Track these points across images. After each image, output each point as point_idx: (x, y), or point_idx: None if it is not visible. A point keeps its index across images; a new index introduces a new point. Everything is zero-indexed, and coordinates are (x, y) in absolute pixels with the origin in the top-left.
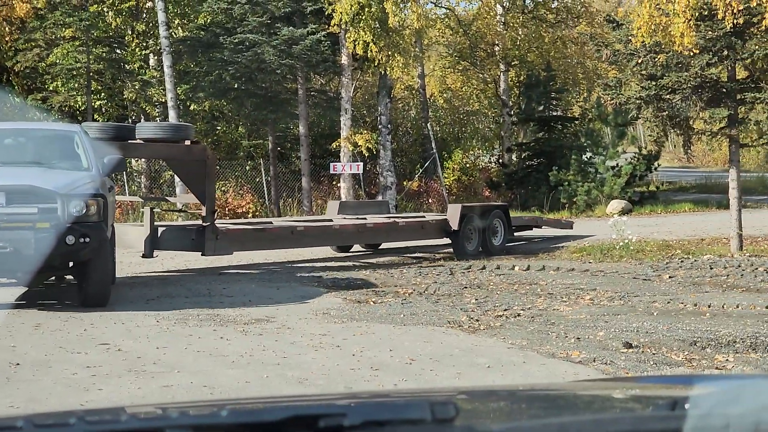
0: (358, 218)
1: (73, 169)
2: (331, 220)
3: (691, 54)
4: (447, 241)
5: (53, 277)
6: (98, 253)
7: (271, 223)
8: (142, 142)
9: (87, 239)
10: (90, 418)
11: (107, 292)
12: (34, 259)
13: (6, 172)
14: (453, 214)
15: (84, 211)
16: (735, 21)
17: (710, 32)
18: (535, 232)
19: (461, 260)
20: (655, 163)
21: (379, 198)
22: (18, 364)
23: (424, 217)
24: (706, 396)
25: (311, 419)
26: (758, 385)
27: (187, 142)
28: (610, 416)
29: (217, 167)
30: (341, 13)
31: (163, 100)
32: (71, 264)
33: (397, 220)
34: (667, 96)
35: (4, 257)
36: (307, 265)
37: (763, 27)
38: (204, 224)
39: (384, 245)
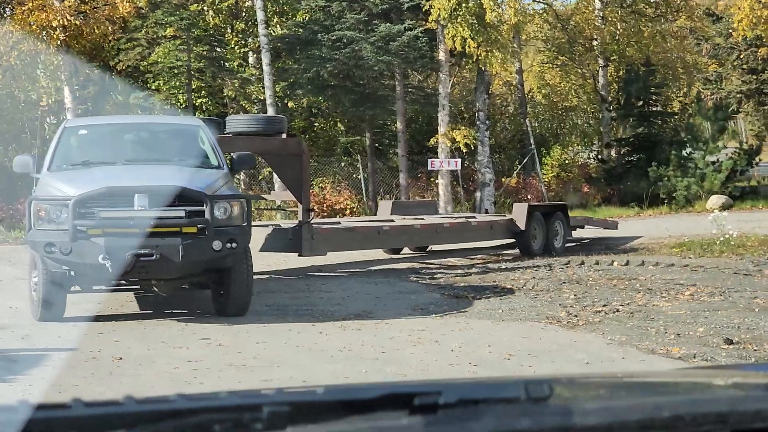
0: (434, 218)
1: (204, 166)
2: (392, 221)
3: None
4: (493, 243)
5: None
6: (242, 259)
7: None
8: (231, 135)
9: (234, 245)
10: (189, 396)
11: (248, 301)
12: (180, 267)
13: (139, 171)
14: (519, 213)
15: (229, 213)
16: None
17: None
18: (602, 232)
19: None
20: (756, 158)
21: (477, 194)
22: (121, 358)
23: (475, 217)
24: None
25: (406, 397)
26: None
27: (283, 136)
28: (706, 397)
29: (315, 163)
30: (439, 9)
31: (262, 98)
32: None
33: (469, 220)
34: None
35: (150, 265)
36: (395, 265)
37: None
38: (301, 223)
39: (432, 247)
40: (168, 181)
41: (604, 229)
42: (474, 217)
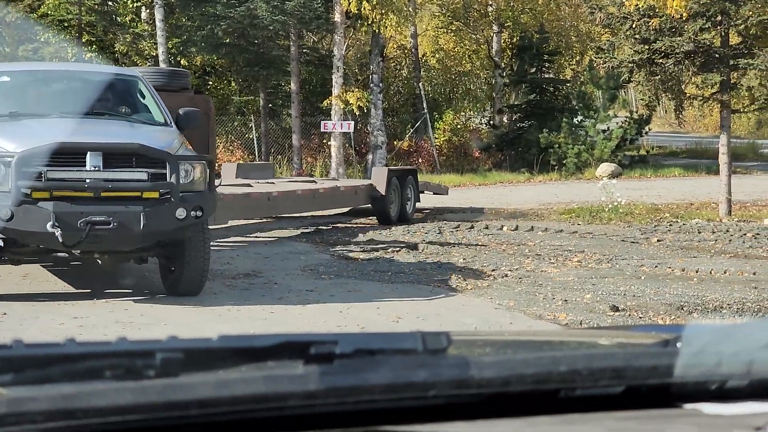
0: (303, 182)
1: (149, 123)
2: (249, 185)
3: (684, 18)
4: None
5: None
6: (199, 231)
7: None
8: None
9: (199, 213)
10: (79, 342)
11: (204, 279)
12: (140, 238)
13: (84, 126)
14: (380, 177)
15: (192, 177)
16: None
17: None
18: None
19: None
20: (646, 128)
21: (369, 156)
22: (5, 313)
23: (314, 181)
24: (699, 335)
25: (302, 346)
26: (751, 326)
27: (189, 93)
28: (602, 351)
29: None
30: None
31: (155, 54)
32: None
33: (338, 185)
34: (660, 60)
35: (105, 235)
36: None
37: None
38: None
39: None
40: (124, 138)
41: (434, 194)
42: (314, 182)
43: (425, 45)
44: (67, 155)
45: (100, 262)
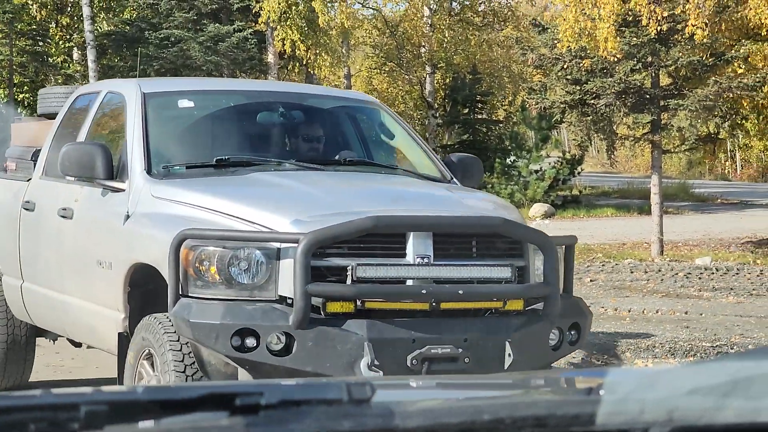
0: None
1: (429, 177)
2: None
3: (616, 59)
4: None
5: None
6: None
7: None
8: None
9: (576, 336)
10: (2, 395)
11: None
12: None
13: (367, 186)
14: None
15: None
16: (659, 28)
17: (635, 38)
18: None
19: None
20: (579, 168)
21: None
22: None
23: None
24: (622, 382)
25: (227, 397)
26: (673, 373)
27: None
28: (526, 400)
29: None
30: (269, 11)
31: None
32: None
33: None
34: (591, 101)
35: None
36: None
37: (687, 34)
38: None
39: None
40: (455, 207)
41: None
42: None
43: (359, 85)
44: (379, 239)
45: None
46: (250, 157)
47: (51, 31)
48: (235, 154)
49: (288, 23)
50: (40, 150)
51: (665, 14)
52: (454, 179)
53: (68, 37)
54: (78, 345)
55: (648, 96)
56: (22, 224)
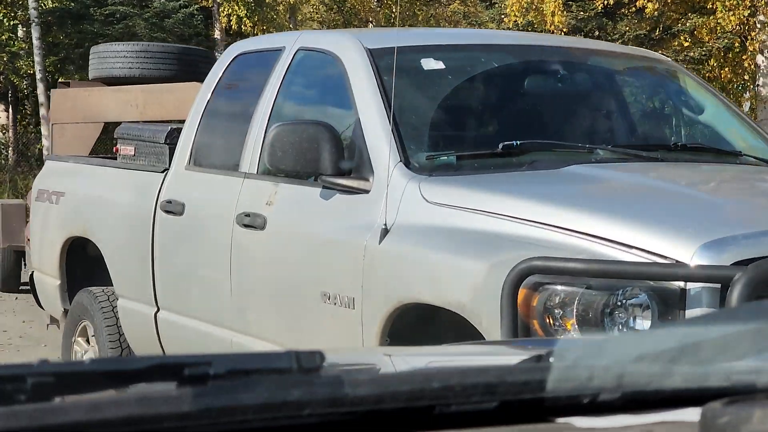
0: None
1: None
2: None
3: (563, 33)
4: None
5: None
6: None
7: None
8: None
9: None
10: None
11: None
12: None
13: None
14: None
15: None
16: (606, 2)
17: (582, 12)
18: None
19: None
20: None
21: None
22: None
23: None
24: (571, 350)
25: (176, 368)
26: (621, 340)
27: None
28: (475, 367)
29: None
30: None
31: (31, 72)
32: None
33: None
34: None
35: None
36: None
37: (637, 7)
38: None
39: None
40: None
41: None
42: None
43: None
44: None
45: None
46: (546, 141)
47: None
48: (518, 135)
49: None
50: (177, 129)
51: None
52: None
53: (12, 14)
54: None
55: None
56: (160, 232)
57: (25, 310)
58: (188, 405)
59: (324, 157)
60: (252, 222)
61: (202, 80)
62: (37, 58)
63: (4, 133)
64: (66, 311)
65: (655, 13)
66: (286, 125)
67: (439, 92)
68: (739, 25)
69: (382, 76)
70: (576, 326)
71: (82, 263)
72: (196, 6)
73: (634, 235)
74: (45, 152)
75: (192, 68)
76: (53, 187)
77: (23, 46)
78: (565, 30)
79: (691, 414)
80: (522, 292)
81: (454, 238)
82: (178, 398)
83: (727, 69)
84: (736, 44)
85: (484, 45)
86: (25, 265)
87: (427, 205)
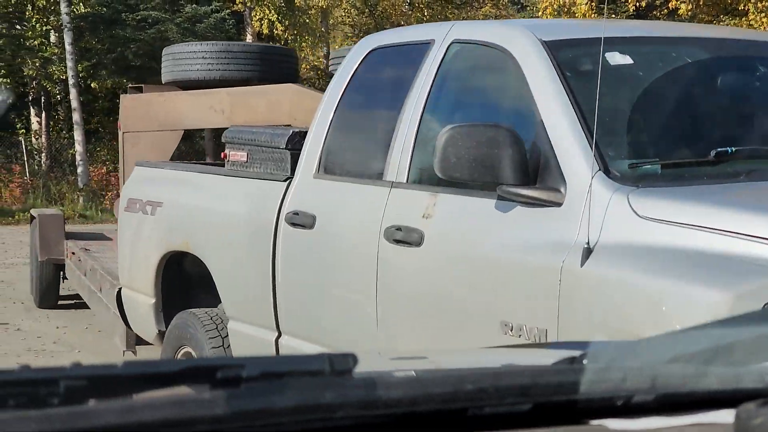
0: None
1: None
2: None
3: None
4: None
5: None
6: None
7: None
8: None
9: None
10: None
11: None
12: None
13: None
14: None
15: None
16: (638, 4)
17: (613, 15)
18: None
19: None
20: None
21: None
22: None
23: None
24: (604, 351)
25: (209, 370)
26: (655, 341)
27: None
28: (509, 370)
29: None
30: None
31: (64, 78)
32: None
33: None
34: None
35: None
36: None
37: (666, 11)
38: None
39: None
40: None
41: None
42: None
43: None
44: None
45: None
46: (766, 147)
47: (27, 13)
48: (727, 141)
49: (266, 3)
50: (299, 133)
51: None
52: None
53: (45, 20)
54: None
55: None
56: (285, 247)
57: (59, 316)
58: (221, 408)
59: (505, 164)
60: (405, 237)
61: (285, 81)
62: (69, 64)
63: (37, 139)
64: (161, 333)
65: (688, 14)
66: (462, 127)
67: (629, 91)
68: None
69: (566, 74)
70: None
71: (178, 281)
72: (228, 11)
73: None
74: (78, 157)
75: (275, 68)
76: (148, 197)
77: (56, 51)
78: None
79: (725, 416)
80: None
81: (680, 260)
82: (212, 401)
83: None
84: None
85: (672, 38)
86: (64, 279)
87: (640, 220)
